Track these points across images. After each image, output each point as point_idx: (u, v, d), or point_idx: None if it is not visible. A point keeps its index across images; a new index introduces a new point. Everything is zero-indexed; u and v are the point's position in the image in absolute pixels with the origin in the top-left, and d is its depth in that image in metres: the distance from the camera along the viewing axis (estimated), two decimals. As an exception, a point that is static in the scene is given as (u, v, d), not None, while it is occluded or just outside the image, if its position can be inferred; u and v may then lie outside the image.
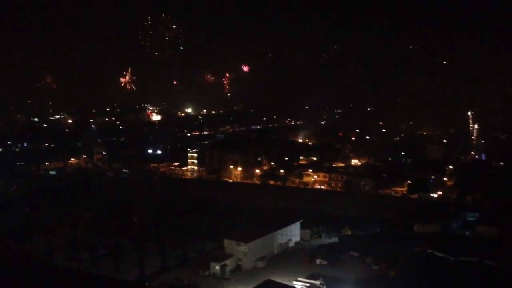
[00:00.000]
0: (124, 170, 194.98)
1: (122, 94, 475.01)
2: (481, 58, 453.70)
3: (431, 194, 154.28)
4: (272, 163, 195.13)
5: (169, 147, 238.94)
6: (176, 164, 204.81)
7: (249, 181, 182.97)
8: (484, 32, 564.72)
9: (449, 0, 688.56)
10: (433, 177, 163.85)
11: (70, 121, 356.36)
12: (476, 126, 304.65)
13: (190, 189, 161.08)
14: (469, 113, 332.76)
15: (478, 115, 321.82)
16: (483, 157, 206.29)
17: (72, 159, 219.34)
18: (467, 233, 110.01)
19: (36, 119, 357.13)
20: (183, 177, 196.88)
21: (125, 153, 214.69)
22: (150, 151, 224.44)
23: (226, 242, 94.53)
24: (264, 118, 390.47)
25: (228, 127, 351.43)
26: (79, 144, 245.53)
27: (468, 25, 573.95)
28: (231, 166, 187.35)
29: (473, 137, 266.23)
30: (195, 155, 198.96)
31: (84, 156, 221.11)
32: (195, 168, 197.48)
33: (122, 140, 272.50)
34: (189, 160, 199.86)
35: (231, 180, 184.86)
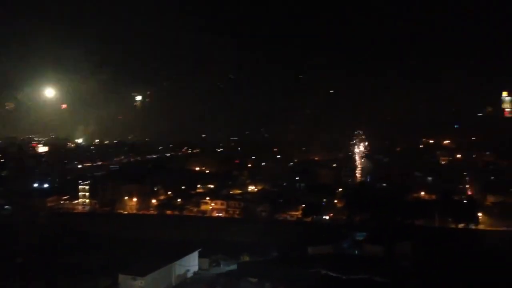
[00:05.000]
0: (6, 207, 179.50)
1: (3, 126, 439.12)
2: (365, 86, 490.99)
3: (324, 217, 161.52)
4: (169, 193, 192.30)
5: (57, 180, 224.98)
6: (66, 197, 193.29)
7: (145, 212, 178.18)
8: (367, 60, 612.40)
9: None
10: (324, 200, 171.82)
11: None
12: (361, 150, 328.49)
13: (81, 224, 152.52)
14: (355, 138, 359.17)
15: (364, 140, 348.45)
16: (368, 179, 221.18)
17: None
18: (356, 252, 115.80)
19: None
20: (74, 211, 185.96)
21: (6, 189, 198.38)
22: (36, 185, 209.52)
23: (121, 277, 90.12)
24: (160, 147, 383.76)
25: (122, 157, 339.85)
26: None
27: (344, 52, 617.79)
28: (126, 197, 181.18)
29: (359, 161, 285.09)
30: (87, 187, 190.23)
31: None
32: (87, 201, 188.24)
33: (3, 175, 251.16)
34: (80, 193, 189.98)
35: (126, 212, 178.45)
